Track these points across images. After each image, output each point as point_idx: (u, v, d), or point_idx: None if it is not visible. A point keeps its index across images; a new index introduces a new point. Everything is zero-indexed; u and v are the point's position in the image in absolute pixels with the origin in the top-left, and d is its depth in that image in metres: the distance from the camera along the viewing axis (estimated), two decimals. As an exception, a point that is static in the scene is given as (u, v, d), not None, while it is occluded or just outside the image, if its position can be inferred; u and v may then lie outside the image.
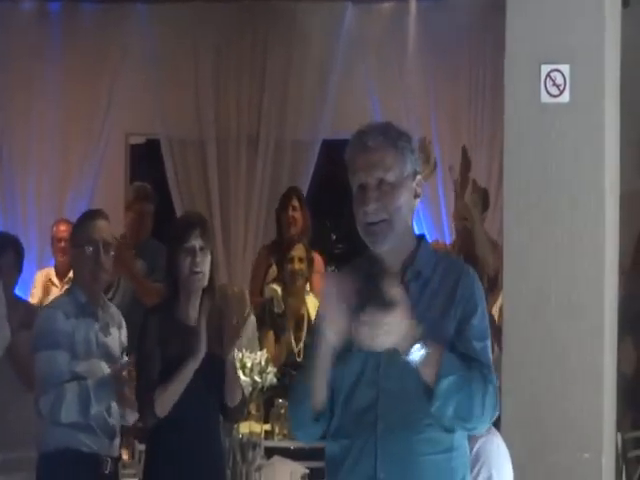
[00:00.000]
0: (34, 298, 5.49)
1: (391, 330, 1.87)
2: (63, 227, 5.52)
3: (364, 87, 6.32)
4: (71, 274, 4.43)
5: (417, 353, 1.91)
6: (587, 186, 3.94)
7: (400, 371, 2.01)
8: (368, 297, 1.98)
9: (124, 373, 3.56)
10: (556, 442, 3.81)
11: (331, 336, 2.01)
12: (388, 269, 2.08)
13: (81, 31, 6.76)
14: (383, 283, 1.93)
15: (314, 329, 2.24)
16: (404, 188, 2.06)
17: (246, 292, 5.34)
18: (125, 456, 4.38)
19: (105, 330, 3.69)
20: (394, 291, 1.90)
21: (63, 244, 5.51)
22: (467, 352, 2.02)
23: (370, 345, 1.91)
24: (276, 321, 5.04)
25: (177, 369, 3.34)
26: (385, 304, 1.87)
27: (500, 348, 3.85)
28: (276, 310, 5.05)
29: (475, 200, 5.06)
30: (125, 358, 3.72)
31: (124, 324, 3.82)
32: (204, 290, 3.46)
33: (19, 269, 5.10)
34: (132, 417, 3.79)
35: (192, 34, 6.58)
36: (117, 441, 3.81)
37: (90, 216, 3.87)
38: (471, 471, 2.44)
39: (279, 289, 5.10)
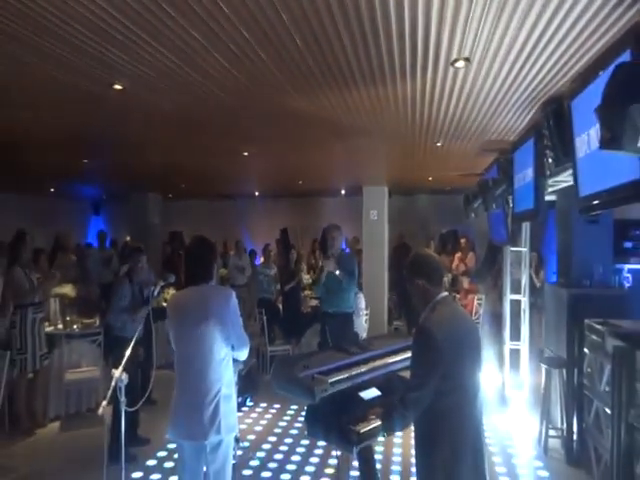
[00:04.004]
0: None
1: (331, 263, 6.59)
2: (265, 247, 12.11)
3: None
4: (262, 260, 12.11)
5: (340, 271, 6.45)
6: (378, 237, 13.21)
7: (332, 283, 6.75)
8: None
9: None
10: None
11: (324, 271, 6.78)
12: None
13: (264, 207, 15.29)
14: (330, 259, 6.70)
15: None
16: (340, 238, 6.86)
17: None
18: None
19: (269, 269, 11.12)
20: (332, 259, 6.55)
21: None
22: (348, 274, 6.58)
23: (328, 267, 6.56)
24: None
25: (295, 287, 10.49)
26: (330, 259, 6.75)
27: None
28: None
29: (355, 240, 14.28)
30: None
31: (276, 269, 11.34)
32: (295, 262, 10.99)
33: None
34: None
35: (284, 212, 15.33)
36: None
37: (266, 247, 11.87)
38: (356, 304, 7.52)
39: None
